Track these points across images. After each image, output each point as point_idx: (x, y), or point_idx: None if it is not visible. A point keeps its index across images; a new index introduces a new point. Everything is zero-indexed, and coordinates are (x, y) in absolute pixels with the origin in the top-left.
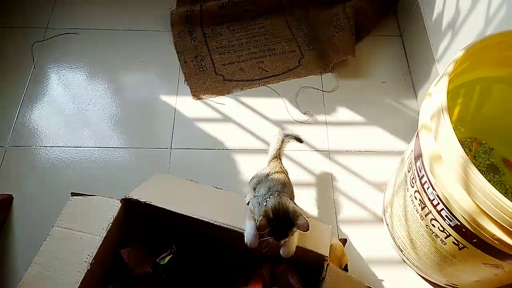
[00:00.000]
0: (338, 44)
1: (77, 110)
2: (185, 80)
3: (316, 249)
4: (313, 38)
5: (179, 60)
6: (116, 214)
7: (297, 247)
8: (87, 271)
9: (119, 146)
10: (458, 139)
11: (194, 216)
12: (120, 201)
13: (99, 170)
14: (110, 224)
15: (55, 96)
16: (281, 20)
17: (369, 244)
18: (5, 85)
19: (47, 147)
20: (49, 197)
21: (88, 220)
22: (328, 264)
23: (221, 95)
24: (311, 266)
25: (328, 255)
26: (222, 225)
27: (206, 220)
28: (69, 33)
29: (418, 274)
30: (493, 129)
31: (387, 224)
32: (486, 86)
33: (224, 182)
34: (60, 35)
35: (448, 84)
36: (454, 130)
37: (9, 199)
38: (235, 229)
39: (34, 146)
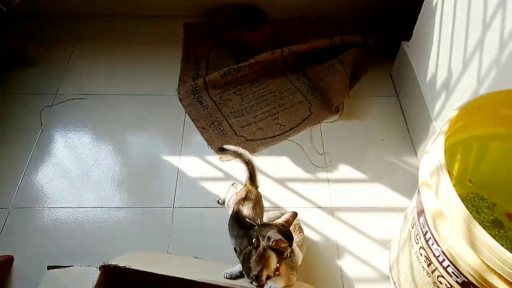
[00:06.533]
0: (336, 87)
1: (81, 171)
2: (208, 144)
3: None
4: (314, 86)
5: (196, 127)
6: (96, 282)
7: None
8: None
9: (122, 206)
10: (460, 195)
11: (177, 276)
12: (99, 268)
13: (101, 230)
14: None
15: (61, 158)
16: (281, 77)
17: None
18: (13, 148)
19: (50, 208)
20: (49, 258)
21: None
22: None
23: None
24: None
25: None
26: (207, 282)
27: (191, 279)
28: (78, 98)
29: None
30: (494, 185)
31: (394, 282)
32: (483, 143)
33: (226, 240)
34: (68, 100)
35: (445, 142)
36: (461, 185)
37: (9, 260)
38: (222, 285)
39: (37, 207)
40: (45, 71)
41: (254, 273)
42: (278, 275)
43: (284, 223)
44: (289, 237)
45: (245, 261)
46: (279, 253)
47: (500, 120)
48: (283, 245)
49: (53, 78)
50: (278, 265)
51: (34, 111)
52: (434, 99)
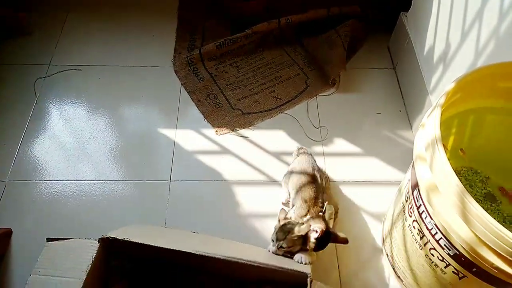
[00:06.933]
0: (332, 59)
1: (77, 144)
2: (204, 118)
3: (298, 267)
4: (311, 58)
5: (192, 99)
6: (95, 255)
7: (279, 267)
8: None
9: (119, 179)
10: (454, 169)
11: (174, 248)
12: (98, 241)
13: (99, 203)
14: (90, 265)
15: (56, 130)
16: (277, 49)
17: (369, 274)
18: (7, 121)
19: (47, 181)
20: (48, 231)
21: (67, 264)
22: (312, 281)
23: (244, 128)
24: (295, 285)
25: (310, 273)
26: (203, 254)
27: (187, 251)
28: (71, 69)
29: None
30: (488, 158)
31: (387, 255)
32: (479, 116)
33: (223, 213)
34: (62, 71)
35: (441, 115)
36: (456, 159)
37: (8, 233)
38: (216, 257)
39: (34, 180)
40: (38, 41)
41: (280, 243)
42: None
43: (332, 233)
44: (324, 242)
45: (283, 227)
46: (305, 243)
47: (498, 93)
48: (313, 244)
49: (46, 48)
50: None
51: (27, 82)
52: (431, 72)
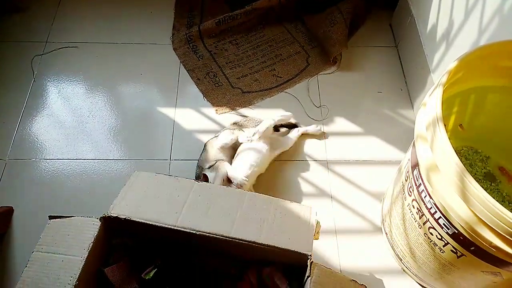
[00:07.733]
0: (334, 37)
1: (76, 123)
2: (204, 96)
3: (299, 248)
4: (312, 36)
5: (191, 78)
6: (97, 233)
7: (280, 248)
8: None
9: (119, 158)
10: (454, 148)
11: (175, 228)
12: (100, 219)
13: (99, 182)
14: (91, 243)
15: (55, 109)
16: (278, 26)
17: (368, 253)
18: (5, 99)
19: (47, 160)
20: (49, 209)
21: (69, 242)
22: (312, 262)
23: (244, 107)
24: (296, 265)
25: (311, 254)
26: (204, 233)
27: (189, 231)
28: (69, 46)
29: (418, 283)
30: (489, 138)
31: (386, 234)
32: (480, 95)
33: None
34: (59, 48)
35: (443, 94)
36: (456, 138)
37: (9, 212)
38: (217, 236)
39: (34, 159)
40: (34, 17)
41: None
42: None
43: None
44: None
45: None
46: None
47: (500, 72)
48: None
49: (43, 25)
50: None
51: (25, 60)
52: (433, 50)
